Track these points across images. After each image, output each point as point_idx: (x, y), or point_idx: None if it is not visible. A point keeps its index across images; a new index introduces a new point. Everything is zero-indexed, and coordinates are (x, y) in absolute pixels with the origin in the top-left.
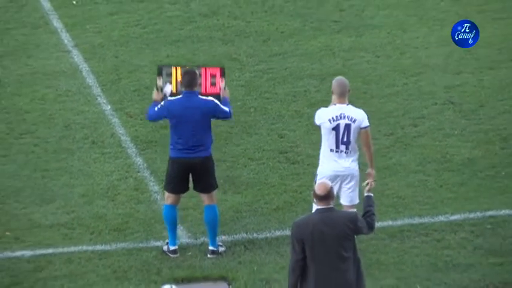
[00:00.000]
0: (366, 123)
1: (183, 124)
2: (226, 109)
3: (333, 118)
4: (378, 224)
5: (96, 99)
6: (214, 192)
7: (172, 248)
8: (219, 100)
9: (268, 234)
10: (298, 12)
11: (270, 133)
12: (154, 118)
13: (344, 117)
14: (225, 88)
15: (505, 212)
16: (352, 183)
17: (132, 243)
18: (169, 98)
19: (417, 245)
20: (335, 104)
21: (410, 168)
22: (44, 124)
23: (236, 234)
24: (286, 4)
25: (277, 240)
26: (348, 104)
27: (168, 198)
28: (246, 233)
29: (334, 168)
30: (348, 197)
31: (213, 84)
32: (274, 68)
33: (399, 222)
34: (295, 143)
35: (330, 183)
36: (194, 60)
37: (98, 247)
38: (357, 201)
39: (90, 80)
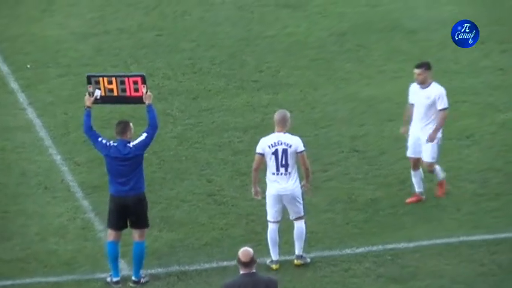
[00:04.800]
0: (301, 148)
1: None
2: (144, 135)
3: (271, 144)
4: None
5: (48, 150)
6: (146, 230)
7: (115, 279)
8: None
9: (198, 267)
10: (223, 73)
11: (200, 178)
12: (89, 135)
13: (281, 143)
14: (147, 92)
15: (403, 244)
16: (294, 200)
17: (80, 275)
18: (108, 143)
19: (327, 274)
20: (274, 132)
21: (321, 207)
22: (3, 172)
23: (170, 267)
24: (212, 66)
25: (206, 272)
26: (285, 133)
27: (109, 235)
28: (179, 266)
29: (277, 189)
30: (293, 212)
31: (136, 90)
32: (203, 121)
33: (312, 255)
34: (222, 186)
35: (251, 250)
36: (134, 116)
37: (51, 279)
38: (302, 213)
39: (43, 133)
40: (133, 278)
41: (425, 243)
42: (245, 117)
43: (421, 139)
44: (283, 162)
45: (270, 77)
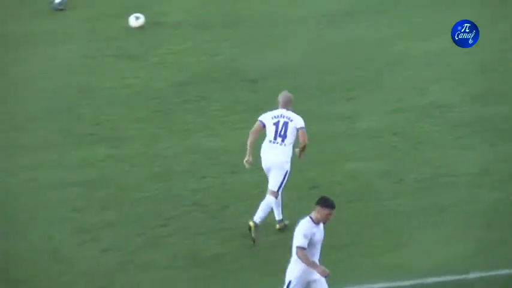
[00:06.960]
0: (301, 124)
1: None
2: None
3: (275, 116)
4: None
5: None
6: None
7: None
8: None
9: None
10: (60, 127)
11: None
12: None
13: (284, 116)
14: None
15: None
16: (278, 171)
17: None
18: None
19: None
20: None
21: (161, 264)
22: None
23: None
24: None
25: None
26: (287, 110)
27: None
28: None
29: (267, 160)
30: (271, 182)
31: None
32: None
33: None
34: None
35: None
36: None
37: None
38: (275, 189)
39: None
40: None
41: None
42: (82, 173)
43: None
44: (282, 133)
45: (107, 130)
